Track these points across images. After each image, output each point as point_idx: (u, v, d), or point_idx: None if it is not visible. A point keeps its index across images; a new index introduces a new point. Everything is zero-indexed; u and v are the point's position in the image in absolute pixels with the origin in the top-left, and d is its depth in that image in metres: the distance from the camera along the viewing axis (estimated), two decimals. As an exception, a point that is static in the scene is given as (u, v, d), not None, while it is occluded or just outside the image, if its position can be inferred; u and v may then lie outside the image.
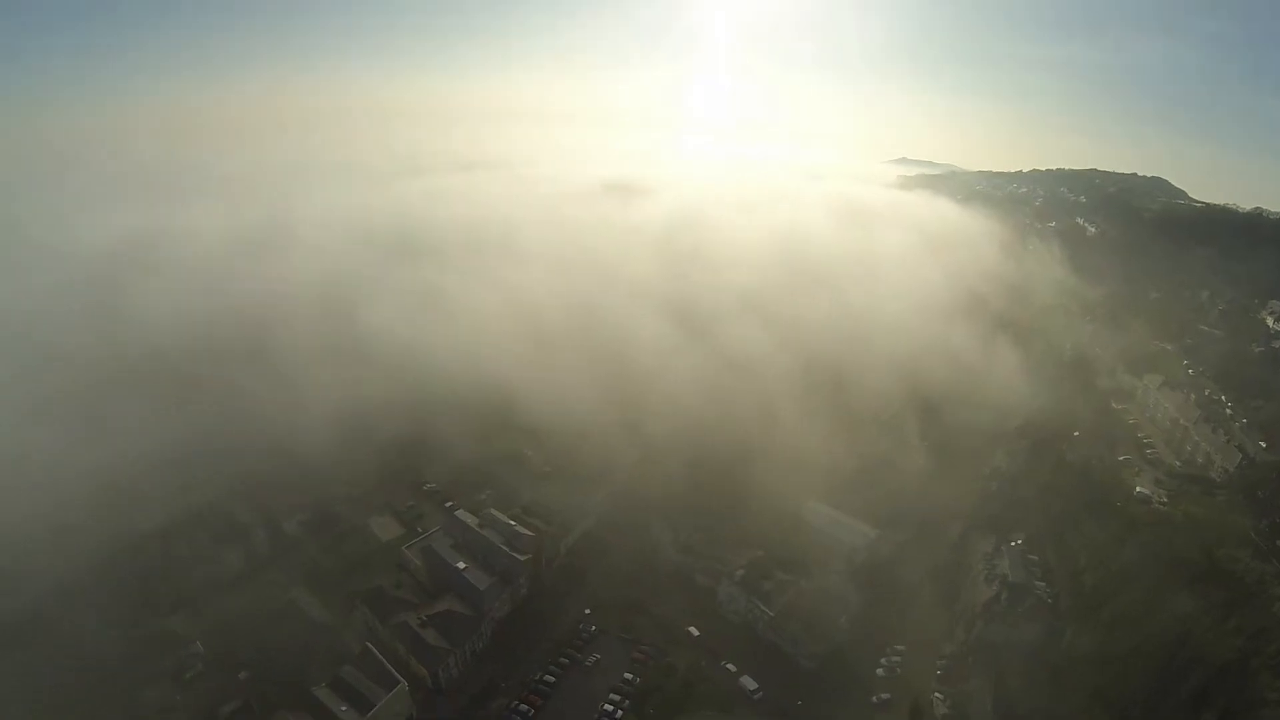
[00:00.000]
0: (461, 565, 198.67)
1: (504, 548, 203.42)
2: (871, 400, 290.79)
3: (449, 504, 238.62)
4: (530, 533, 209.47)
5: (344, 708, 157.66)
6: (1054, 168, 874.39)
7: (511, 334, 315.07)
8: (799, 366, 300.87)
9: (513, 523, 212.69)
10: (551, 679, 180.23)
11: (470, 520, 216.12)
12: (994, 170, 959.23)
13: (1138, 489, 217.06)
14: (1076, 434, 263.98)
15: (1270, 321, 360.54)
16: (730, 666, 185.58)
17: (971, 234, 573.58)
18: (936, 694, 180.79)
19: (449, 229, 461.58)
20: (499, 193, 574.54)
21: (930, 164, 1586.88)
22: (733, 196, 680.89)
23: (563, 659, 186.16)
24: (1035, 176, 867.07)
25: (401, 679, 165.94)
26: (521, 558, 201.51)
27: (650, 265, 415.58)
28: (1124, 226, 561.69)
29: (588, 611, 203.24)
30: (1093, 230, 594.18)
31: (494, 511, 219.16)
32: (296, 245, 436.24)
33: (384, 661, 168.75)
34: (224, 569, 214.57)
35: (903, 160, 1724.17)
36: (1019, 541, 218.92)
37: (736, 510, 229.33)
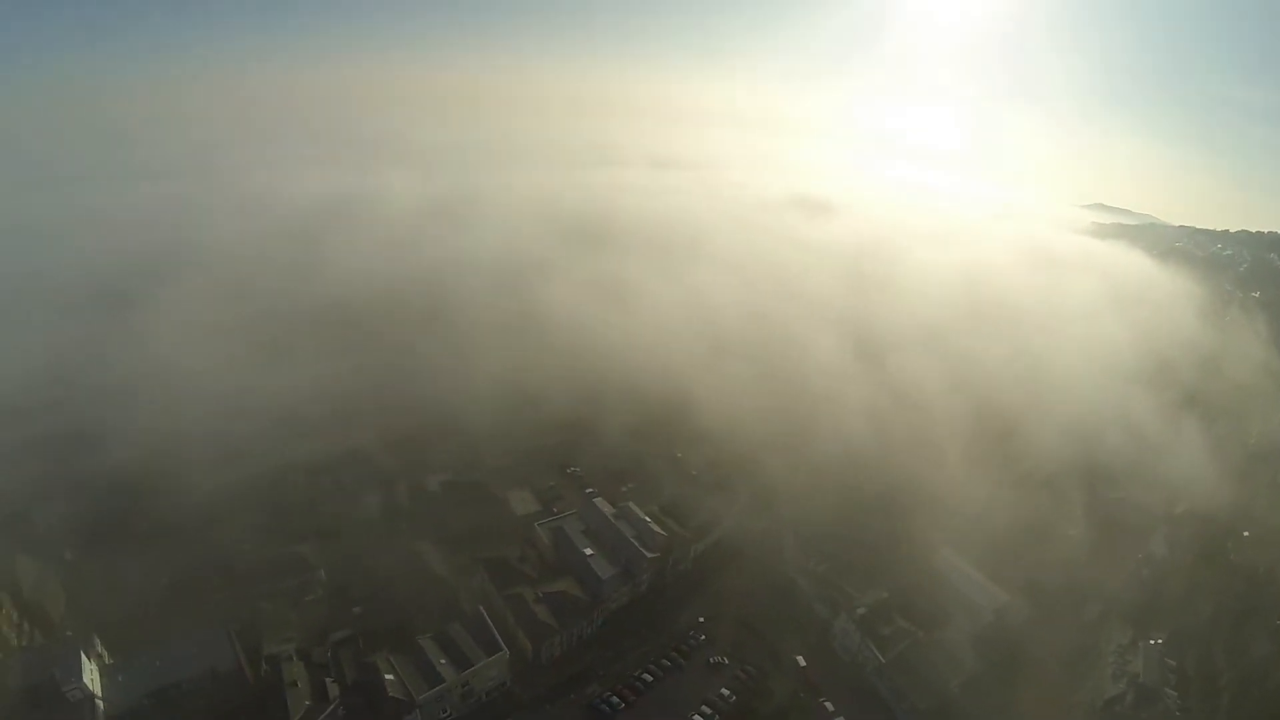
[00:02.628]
0: (589, 551, 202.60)
1: (634, 542, 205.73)
2: (1035, 455, 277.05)
3: (589, 490, 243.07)
4: (662, 532, 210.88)
5: (443, 661, 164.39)
6: (1265, 230, 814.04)
7: (685, 334, 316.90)
8: (967, 409, 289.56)
9: (648, 519, 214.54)
10: (649, 678, 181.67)
11: (607, 510, 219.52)
12: (1197, 227, 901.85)
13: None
14: (1247, 534, 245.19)
15: None
16: (828, 704, 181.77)
17: (1166, 294, 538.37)
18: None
19: (635, 223, 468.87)
20: (688, 194, 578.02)
21: (1128, 213, 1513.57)
22: (918, 225, 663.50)
23: (665, 661, 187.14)
24: (1243, 238, 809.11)
25: (504, 647, 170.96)
26: (649, 555, 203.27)
27: (831, 285, 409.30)
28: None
29: (701, 620, 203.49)
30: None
31: (632, 505, 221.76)
32: (483, 220, 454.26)
33: (491, 627, 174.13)
34: (360, 510, 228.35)
35: (1098, 206, 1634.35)
36: (1159, 640, 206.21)
37: (872, 545, 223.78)
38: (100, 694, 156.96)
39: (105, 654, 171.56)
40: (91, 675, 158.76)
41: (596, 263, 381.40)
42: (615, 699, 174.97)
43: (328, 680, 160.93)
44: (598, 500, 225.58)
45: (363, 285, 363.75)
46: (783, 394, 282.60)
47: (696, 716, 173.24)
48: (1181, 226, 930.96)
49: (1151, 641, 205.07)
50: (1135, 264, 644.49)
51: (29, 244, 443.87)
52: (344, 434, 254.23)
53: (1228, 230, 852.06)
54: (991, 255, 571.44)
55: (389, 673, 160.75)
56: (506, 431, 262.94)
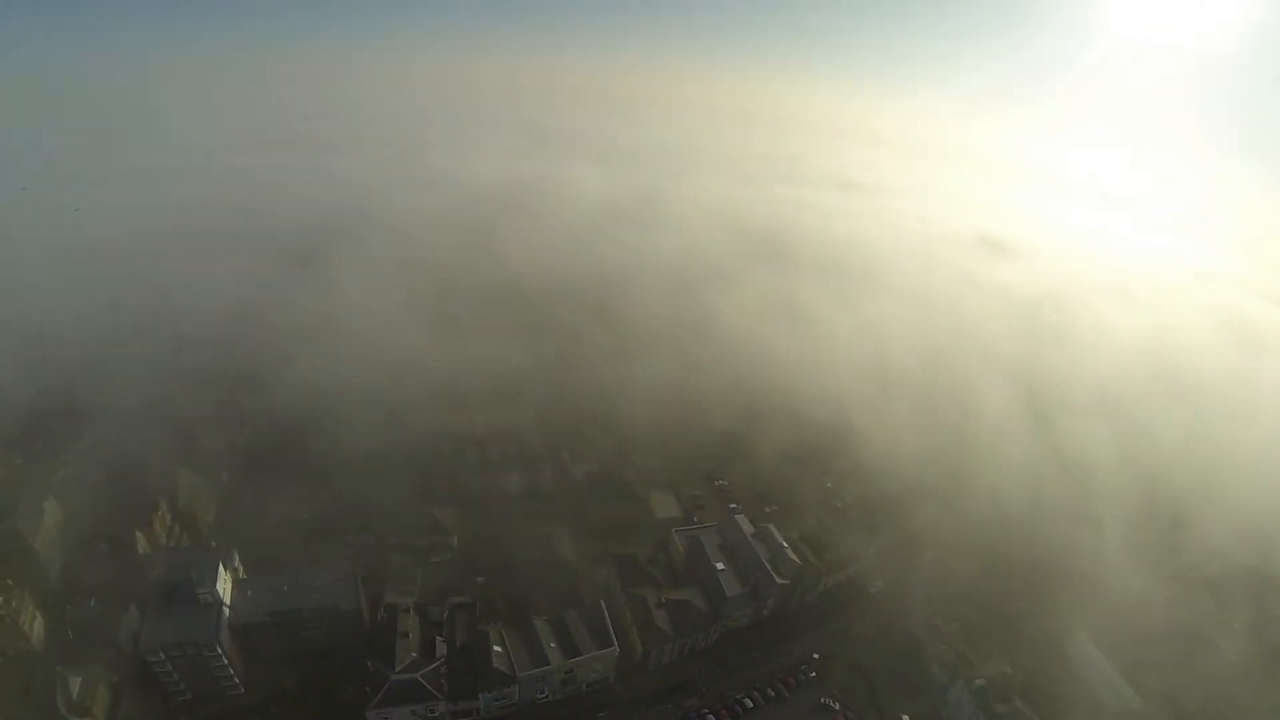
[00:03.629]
0: (720, 566, 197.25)
1: (766, 564, 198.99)
2: (1201, 551, 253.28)
3: (732, 505, 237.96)
4: (796, 560, 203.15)
5: (553, 644, 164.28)
6: None
7: (852, 363, 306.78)
8: (1134, 487, 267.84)
9: (785, 545, 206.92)
10: (750, 704, 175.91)
11: (746, 528, 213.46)
12: None
13: None
14: None
15: None
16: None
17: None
18: None
19: (812, 243, 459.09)
20: (868, 219, 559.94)
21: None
22: (1103, 278, 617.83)
23: (770, 690, 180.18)
24: None
25: (615, 643, 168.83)
26: (779, 580, 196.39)
27: (1005, 332, 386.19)
28: None
29: (815, 656, 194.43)
30: None
31: (772, 528, 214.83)
32: (661, 223, 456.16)
33: (607, 621, 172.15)
34: (503, 486, 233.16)
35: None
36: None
37: (1006, 615, 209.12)
38: (228, 603, 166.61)
39: (240, 569, 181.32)
40: (224, 585, 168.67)
41: (770, 279, 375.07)
42: (711, 717, 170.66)
43: (438, 639, 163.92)
44: (739, 516, 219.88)
45: (538, 272, 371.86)
46: (943, 440, 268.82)
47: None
48: None
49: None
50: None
51: (229, 202, 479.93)
52: (500, 412, 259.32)
53: None
54: (1183, 321, 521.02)
55: (498, 644, 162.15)
56: (660, 434, 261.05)
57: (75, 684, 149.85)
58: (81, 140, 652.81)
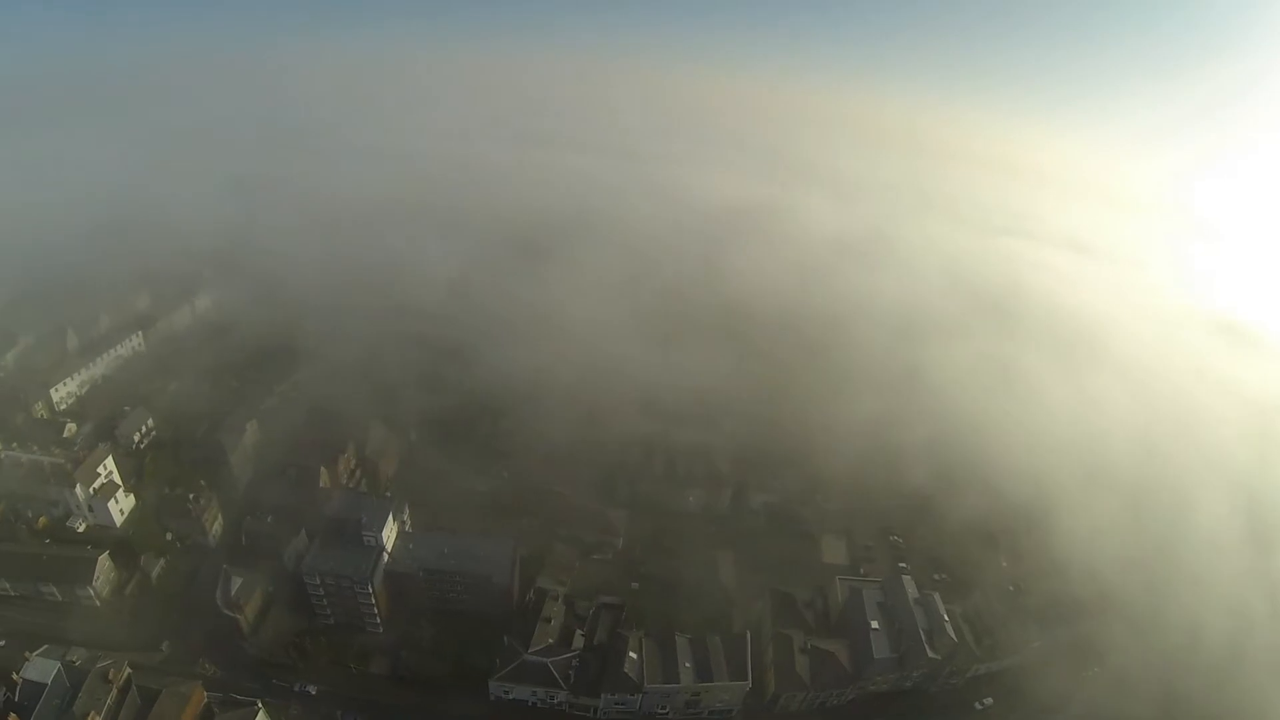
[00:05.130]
0: (874, 625, 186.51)
1: (922, 634, 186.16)
2: None
3: (902, 565, 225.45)
4: (954, 638, 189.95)
5: (688, 664, 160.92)
6: None
7: (1061, 442, 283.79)
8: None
9: (946, 618, 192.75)
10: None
11: (910, 591, 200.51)
12: None
13: None
14: None
15: None
16: None
17: None
18: None
19: (1038, 306, 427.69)
20: (1096, 286, 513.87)
21: None
22: None
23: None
24: None
25: (749, 678, 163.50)
26: (930, 654, 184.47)
27: (1238, 436, 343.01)
28: None
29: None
30: None
31: (937, 597, 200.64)
32: (885, 263, 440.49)
33: (748, 654, 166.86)
34: (679, 501, 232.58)
35: None
36: None
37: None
38: (389, 550, 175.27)
39: (408, 522, 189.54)
40: (389, 533, 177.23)
41: (987, 338, 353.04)
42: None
43: (578, 631, 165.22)
44: (906, 578, 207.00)
45: (756, 297, 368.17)
46: (1145, 547, 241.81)
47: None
48: None
49: None
50: None
51: (458, 187, 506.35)
52: (694, 429, 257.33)
53: None
54: None
55: (634, 651, 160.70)
56: (847, 478, 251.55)
57: (236, 582, 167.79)
58: (321, 121, 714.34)
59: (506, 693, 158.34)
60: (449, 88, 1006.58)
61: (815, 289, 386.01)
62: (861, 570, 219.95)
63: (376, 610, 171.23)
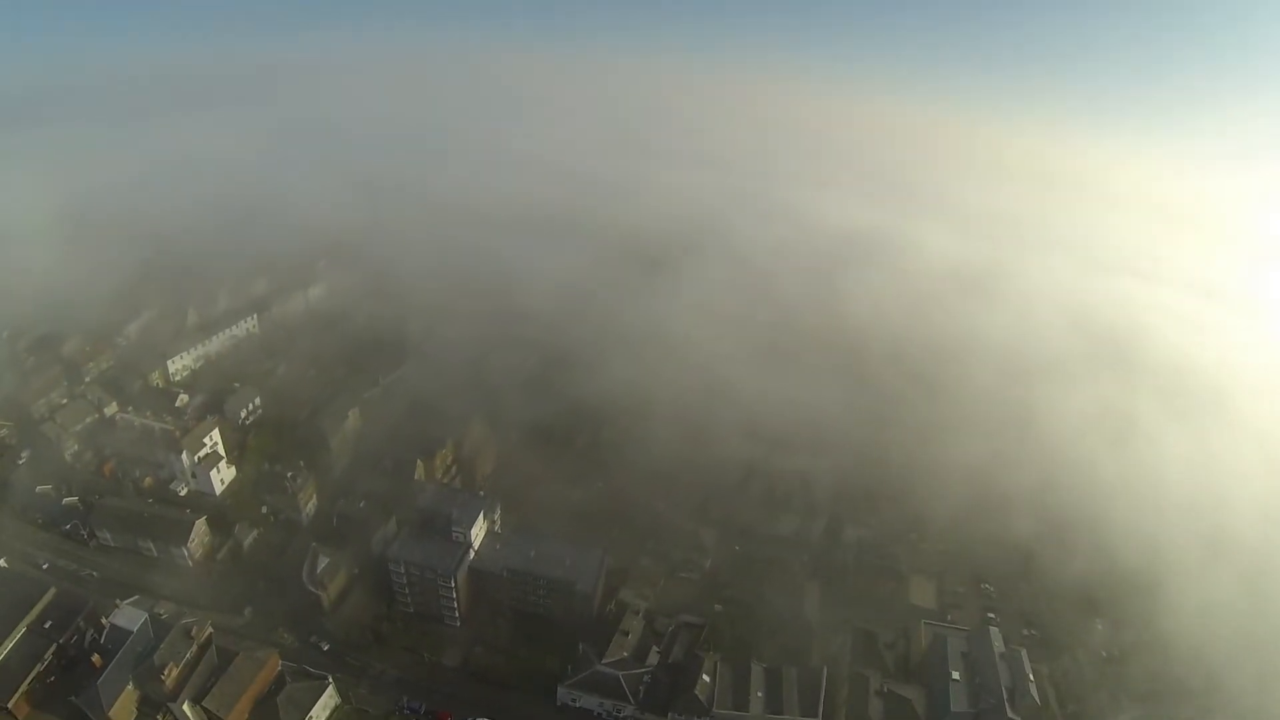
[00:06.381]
0: (955, 676, 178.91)
1: (1003, 691, 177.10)
2: None
3: (991, 615, 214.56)
4: (1037, 700, 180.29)
5: (760, 693, 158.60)
6: None
7: (1182, 504, 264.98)
8: None
9: (1031, 678, 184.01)
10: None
11: (997, 645, 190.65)
12: None
13: None
14: None
15: None
16: None
17: None
18: None
19: (1159, 353, 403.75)
20: (1226, 335, 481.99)
21: None
22: None
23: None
24: None
25: (820, 715, 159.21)
26: (1010, 715, 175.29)
27: None
28: None
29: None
30: None
31: (1024, 654, 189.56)
32: (1002, 300, 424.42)
33: (822, 690, 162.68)
34: (772, 525, 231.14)
35: None
36: None
37: None
38: (476, 548, 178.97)
39: (498, 523, 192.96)
40: (478, 531, 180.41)
41: (1106, 385, 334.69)
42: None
43: (654, 648, 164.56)
44: (993, 629, 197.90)
45: (870, 326, 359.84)
46: (1263, 637, 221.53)
47: None
48: None
49: None
50: None
51: (578, 198, 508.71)
52: (796, 456, 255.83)
53: None
54: None
55: (708, 674, 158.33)
56: (945, 519, 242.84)
57: (323, 561, 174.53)
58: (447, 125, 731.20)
59: (574, 700, 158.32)
60: (569, 94, 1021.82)
61: (928, 320, 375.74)
62: (949, 617, 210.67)
63: (456, 604, 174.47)
